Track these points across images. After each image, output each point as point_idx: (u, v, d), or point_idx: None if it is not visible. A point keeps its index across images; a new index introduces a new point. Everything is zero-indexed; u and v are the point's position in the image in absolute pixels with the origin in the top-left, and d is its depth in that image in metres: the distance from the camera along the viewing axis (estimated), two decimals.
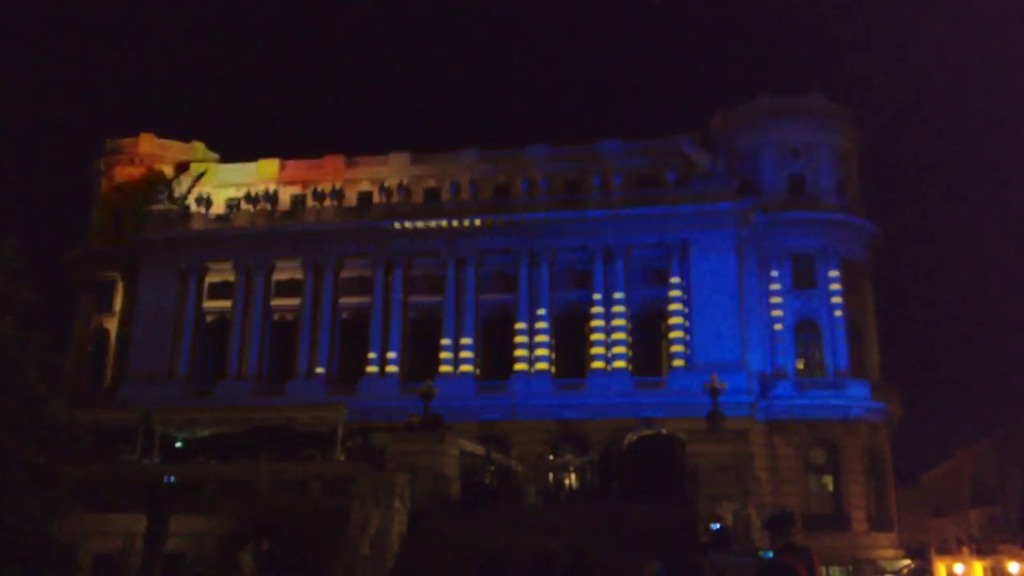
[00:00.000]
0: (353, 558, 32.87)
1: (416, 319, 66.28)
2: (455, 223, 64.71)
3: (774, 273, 63.17)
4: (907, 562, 60.61)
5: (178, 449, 47.00)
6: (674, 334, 61.36)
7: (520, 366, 62.11)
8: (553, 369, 62.41)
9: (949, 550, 76.22)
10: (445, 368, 62.40)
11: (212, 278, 69.00)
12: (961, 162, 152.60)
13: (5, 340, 27.08)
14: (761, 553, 31.04)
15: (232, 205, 70.54)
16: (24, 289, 28.40)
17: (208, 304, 68.90)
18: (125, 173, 73.58)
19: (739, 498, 34.26)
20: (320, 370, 64.59)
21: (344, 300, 66.89)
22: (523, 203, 65.09)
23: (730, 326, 60.23)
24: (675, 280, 61.96)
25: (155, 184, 71.48)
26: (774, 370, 61.33)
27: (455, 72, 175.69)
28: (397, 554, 33.89)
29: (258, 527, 31.44)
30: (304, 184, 70.97)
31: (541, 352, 62.30)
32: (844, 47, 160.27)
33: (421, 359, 63.79)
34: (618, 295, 62.37)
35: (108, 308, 70.60)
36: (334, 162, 72.31)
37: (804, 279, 63.31)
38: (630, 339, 62.10)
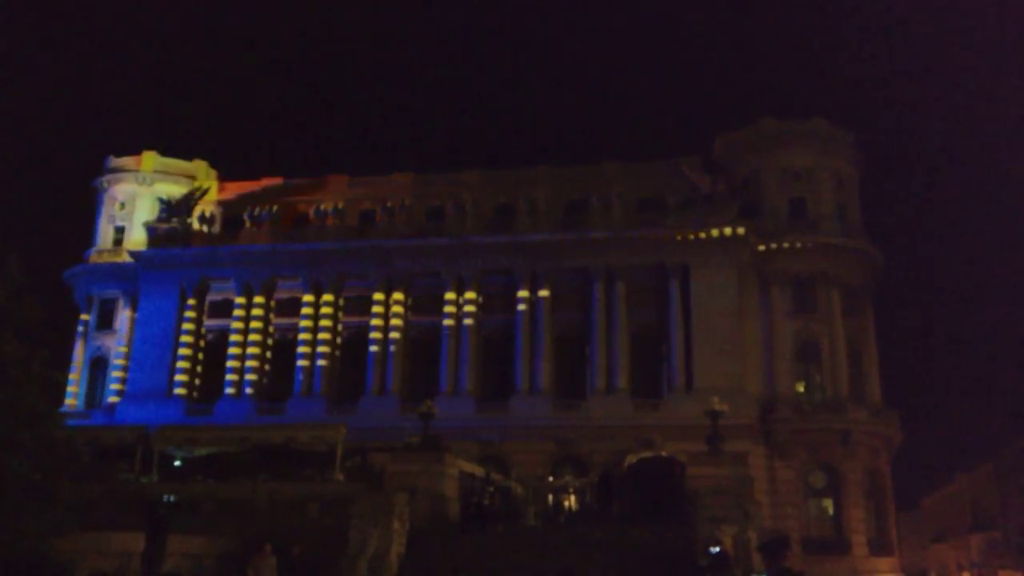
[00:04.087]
0: None
1: (416, 339, 66.28)
2: (456, 243, 64.83)
3: (775, 296, 63.24)
4: None
5: (177, 468, 46.87)
6: (674, 356, 61.30)
7: (520, 386, 62.04)
8: (553, 390, 62.32)
9: (949, 575, 75.98)
10: (445, 388, 62.35)
11: (213, 296, 69.13)
12: (963, 186, 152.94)
13: (6, 357, 27.10)
14: None
15: (234, 223, 70.81)
16: (26, 306, 28.43)
17: (208, 322, 69.05)
18: (127, 190, 73.84)
19: (739, 521, 34.18)
20: (320, 389, 64.53)
21: (345, 319, 66.92)
22: (525, 224, 65.18)
23: (730, 349, 60.18)
24: (675, 302, 61.99)
25: (157, 202, 71.72)
26: (774, 393, 61.27)
27: (458, 92, 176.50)
28: (395, 575, 33.81)
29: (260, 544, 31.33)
30: (308, 203, 71.17)
31: (541, 372, 62.24)
32: (846, 71, 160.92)
33: (421, 379, 63.72)
34: (618, 317, 62.41)
35: (109, 325, 70.70)
36: (337, 181, 72.63)
37: (805, 303, 63.36)
38: (630, 361, 62.07)
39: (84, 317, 71.59)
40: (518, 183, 68.81)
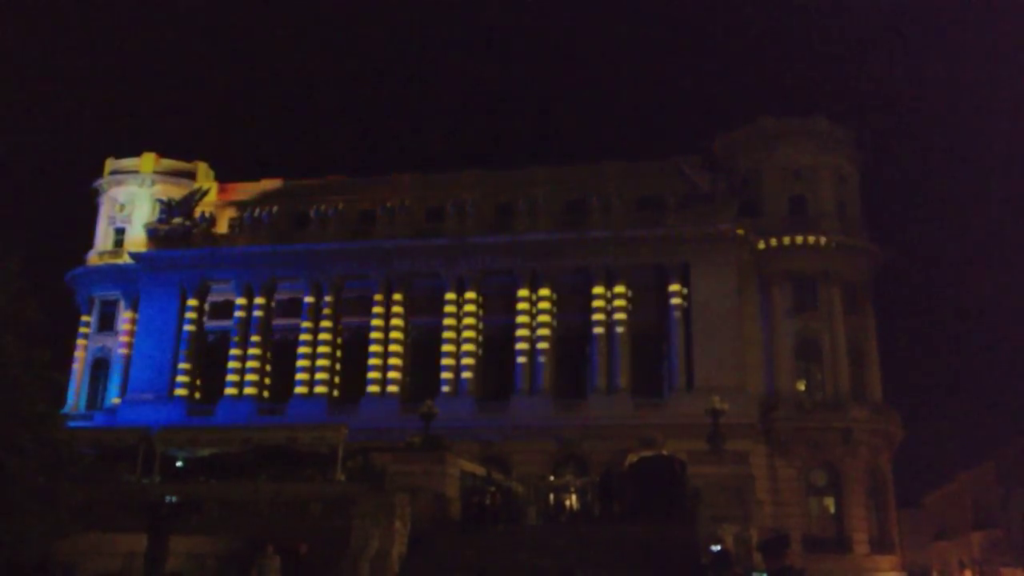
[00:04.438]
0: None
1: (417, 340, 66.34)
2: (456, 244, 64.84)
3: (775, 295, 63.23)
4: None
5: (178, 469, 46.93)
6: (675, 355, 61.32)
7: (520, 386, 62.06)
8: (553, 390, 62.33)
9: (951, 573, 75.91)
10: (445, 388, 62.40)
11: (213, 297, 69.18)
12: (964, 184, 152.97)
13: (7, 359, 27.16)
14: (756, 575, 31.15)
15: (234, 224, 70.91)
16: (27, 308, 28.50)
17: (209, 323, 69.12)
18: (127, 192, 73.93)
19: (740, 520, 34.27)
20: (321, 390, 64.59)
21: (345, 320, 66.96)
22: (524, 224, 65.16)
23: (731, 347, 60.19)
24: (676, 301, 61.98)
25: (157, 203, 71.79)
26: (775, 391, 61.26)
27: (457, 92, 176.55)
28: (397, 575, 33.88)
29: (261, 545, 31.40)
30: (308, 203, 71.16)
31: (542, 372, 62.27)
32: (846, 71, 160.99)
33: (422, 379, 63.79)
34: (618, 316, 62.45)
35: (110, 327, 70.82)
36: (337, 182, 72.67)
37: (805, 301, 63.32)
38: (630, 360, 62.04)
39: (85, 319, 71.70)
40: (518, 183, 68.77)
